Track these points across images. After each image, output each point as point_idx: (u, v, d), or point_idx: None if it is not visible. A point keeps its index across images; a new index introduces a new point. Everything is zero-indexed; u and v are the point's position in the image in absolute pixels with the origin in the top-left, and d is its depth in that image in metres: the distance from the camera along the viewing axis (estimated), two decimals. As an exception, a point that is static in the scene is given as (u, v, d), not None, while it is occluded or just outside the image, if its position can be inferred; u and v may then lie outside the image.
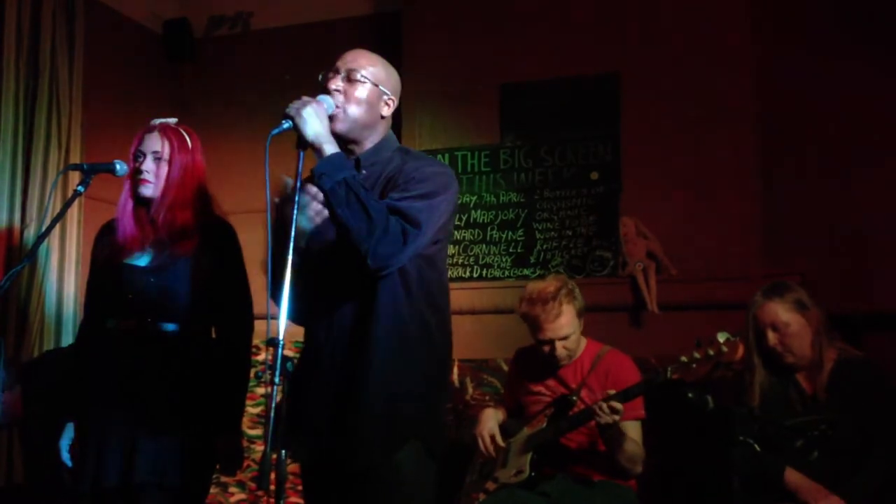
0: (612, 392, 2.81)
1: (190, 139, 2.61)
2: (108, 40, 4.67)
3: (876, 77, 3.94)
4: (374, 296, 2.10)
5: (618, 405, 2.73)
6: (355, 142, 2.19)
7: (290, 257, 1.91)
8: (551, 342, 2.99)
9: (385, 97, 2.21)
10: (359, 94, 2.15)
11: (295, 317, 2.08)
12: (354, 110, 2.15)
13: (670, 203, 4.00)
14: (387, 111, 2.23)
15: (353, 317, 2.13)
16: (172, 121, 2.64)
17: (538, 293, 2.99)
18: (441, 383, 2.27)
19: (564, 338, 2.99)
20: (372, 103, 2.18)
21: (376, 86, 2.18)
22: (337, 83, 2.14)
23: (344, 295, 2.14)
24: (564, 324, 2.96)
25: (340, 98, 2.13)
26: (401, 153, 2.24)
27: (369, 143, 2.21)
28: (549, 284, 3.01)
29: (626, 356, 3.10)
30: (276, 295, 1.91)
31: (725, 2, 4.05)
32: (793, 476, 2.72)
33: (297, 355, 2.27)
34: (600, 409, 2.74)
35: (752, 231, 3.90)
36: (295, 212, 1.96)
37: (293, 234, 1.94)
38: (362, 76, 2.15)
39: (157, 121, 2.62)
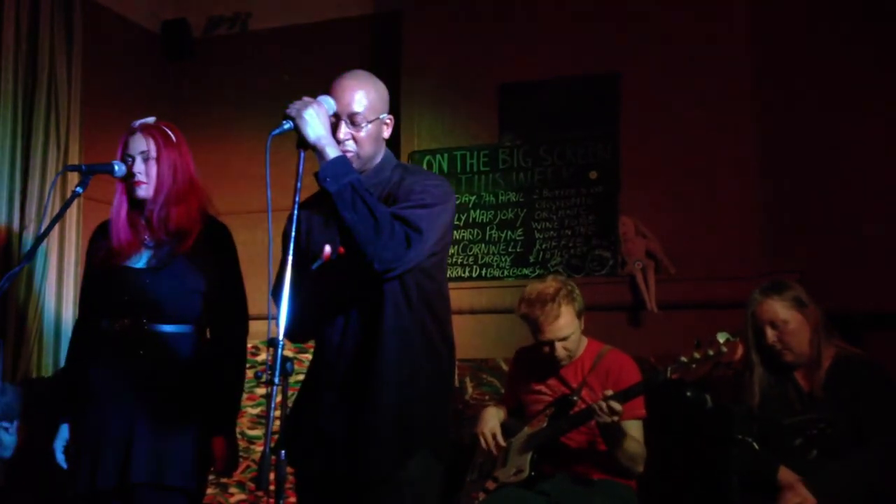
0: (611, 392, 2.81)
1: (173, 134, 2.61)
2: (106, 40, 4.67)
3: (877, 75, 3.94)
4: (380, 307, 2.14)
5: (617, 405, 2.73)
6: (361, 172, 2.20)
7: (289, 263, 1.92)
8: (551, 343, 2.99)
9: (384, 120, 2.23)
10: (365, 135, 2.17)
11: (296, 335, 2.11)
12: (365, 151, 2.18)
13: (669, 202, 4.00)
14: (387, 133, 2.26)
15: (361, 331, 2.17)
16: (151, 119, 2.63)
17: (537, 294, 2.99)
18: (446, 391, 2.31)
19: (564, 338, 2.99)
20: (377, 136, 2.22)
21: (377, 118, 2.20)
22: (345, 132, 2.15)
23: (351, 310, 2.18)
24: (564, 325, 2.97)
25: (352, 145, 2.15)
26: (400, 170, 2.27)
27: (372, 166, 2.24)
28: (548, 286, 3.01)
29: (626, 356, 3.10)
30: (276, 296, 1.92)
31: (725, 1, 4.06)
32: (785, 475, 2.72)
33: (298, 356, 2.28)
34: (600, 408, 2.74)
35: (751, 230, 3.90)
36: (294, 222, 1.96)
37: (292, 246, 1.94)
38: (363, 117, 2.16)
39: (137, 122, 2.61)
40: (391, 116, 2.26)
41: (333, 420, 2.16)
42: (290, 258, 1.92)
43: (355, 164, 2.15)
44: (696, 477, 3.46)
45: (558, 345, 2.99)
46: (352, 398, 2.15)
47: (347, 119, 2.15)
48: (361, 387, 2.14)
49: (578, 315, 3.02)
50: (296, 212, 1.98)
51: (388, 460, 2.13)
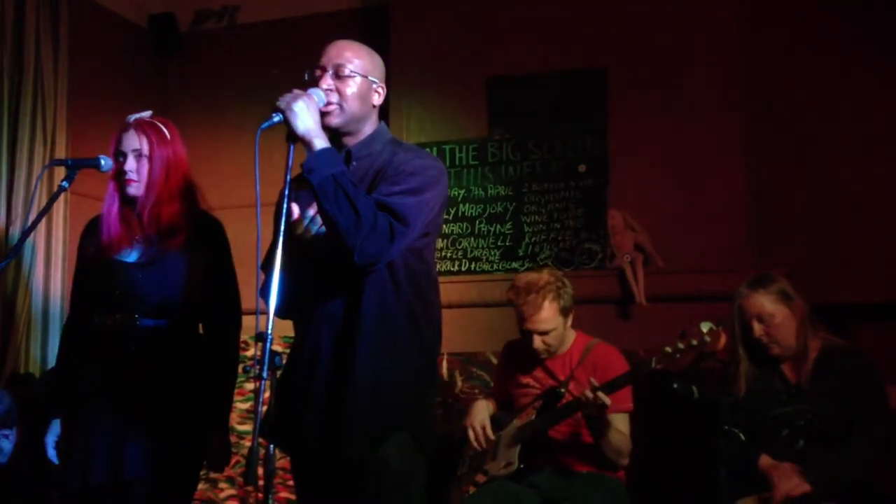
0: (597, 384, 2.82)
1: (168, 131, 2.59)
2: (93, 35, 4.64)
3: (861, 71, 3.97)
4: (361, 288, 2.11)
5: (604, 397, 2.74)
6: (349, 134, 2.19)
7: (279, 251, 1.91)
8: (530, 333, 2.99)
9: (374, 86, 2.21)
10: (351, 90, 2.15)
11: (281, 311, 2.05)
12: (349, 106, 2.15)
13: (658, 195, 4.02)
14: (377, 100, 2.23)
15: (341, 309, 2.13)
16: (147, 114, 2.62)
17: (526, 283, 3.00)
18: (428, 375, 2.27)
19: (544, 332, 2.99)
20: (364, 96, 2.18)
21: (365, 77, 2.17)
22: (328, 82, 2.13)
23: (331, 288, 2.14)
24: (544, 319, 2.97)
25: (335, 97, 2.13)
26: (392, 145, 2.24)
27: (362, 134, 2.22)
28: (540, 277, 3.01)
29: (614, 349, 3.11)
30: (265, 290, 1.91)
31: (712, -3, 4.08)
32: (765, 462, 2.74)
33: (286, 350, 2.27)
34: (587, 399, 2.74)
35: (738, 223, 3.92)
36: (284, 207, 1.96)
37: (283, 229, 1.93)
38: (351, 70, 2.15)
39: (132, 117, 2.60)
40: (384, 86, 2.23)
41: (313, 400, 2.13)
42: (281, 240, 1.91)
43: (337, 120, 2.13)
44: (684, 468, 3.48)
45: (536, 337, 2.99)
46: (332, 378, 2.12)
47: (332, 69, 2.14)
48: (340, 367, 2.11)
49: (563, 312, 3.01)
50: (286, 205, 1.97)
51: (362, 441, 2.08)
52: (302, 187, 2.08)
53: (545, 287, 2.96)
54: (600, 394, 2.74)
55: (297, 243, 2.09)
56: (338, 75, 2.14)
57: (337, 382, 2.11)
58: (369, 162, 2.18)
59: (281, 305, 1.92)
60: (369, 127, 2.22)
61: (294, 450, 2.23)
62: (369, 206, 2.00)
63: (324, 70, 2.14)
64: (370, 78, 2.18)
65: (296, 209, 2.07)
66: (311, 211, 2.07)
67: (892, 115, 3.94)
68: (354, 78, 2.15)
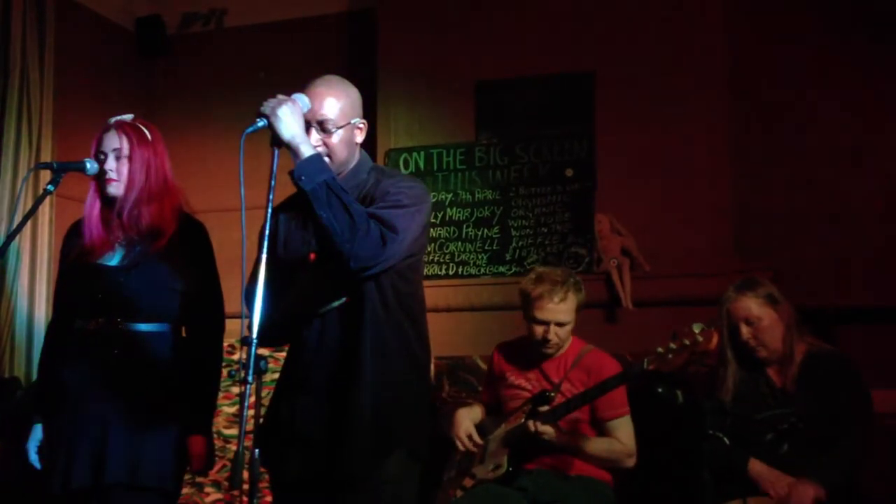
0: (547, 408, 2.89)
1: (149, 132, 2.58)
2: (79, 37, 4.63)
3: (846, 73, 4.00)
4: (356, 312, 2.15)
5: (545, 428, 2.84)
6: (337, 174, 2.20)
7: (262, 262, 1.91)
8: (548, 324, 3.00)
9: (356, 123, 2.23)
10: (337, 141, 2.17)
11: (264, 338, 1.95)
12: (337, 157, 2.18)
13: (644, 200, 4.03)
14: (361, 137, 2.26)
15: (338, 333, 2.17)
16: (128, 117, 2.61)
17: (548, 274, 3.03)
18: (422, 391, 2.32)
19: (561, 324, 3.00)
20: (349, 142, 2.21)
21: (348, 123, 2.19)
22: (315, 138, 2.14)
23: (328, 314, 2.18)
24: (565, 310, 2.99)
25: (324, 151, 2.15)
26: (376, 172, 2.28)
27: (347, 170, 2.24)
28: (561, 271, 3.07)
29: (608, 354, 3.12)
30: (249, 295, 1.91)
31: (698, 0, 4.09)
32: (756, 466, 2.76)
33: (272, 354, 2.27)
34: (534, 430, 2.84)
35: (724, 227, 3.95)
36: (268, 220, 1.95)
37: (265, 247, 1.93)
38: (334, 123, 2.16)
39: (113, 119, 2.59)
40: (364, 121, 2.26)
41: (310, 422, 2.17)
42: (264, 258, 1.91)
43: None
44: (670, 472, 3.49)
45: (553, 328, 2.99)
46: (329, 400, 2.15)
47: (317, 125, 2.15)
48: (339, 388, 2.15)
49: (578, 309, 3.04)
50: (269, 210, 1.97)
51: (365, 461, 2.13)
52: (290, 215, 2.14)
53: (568, 279, 3.01)
54: (539, 426, 2.84)
55: (286, 265, 2.12)
56: (323, 129, 2.15)
57: (341, 405, 2.14)
58: (356, 193, 2.21)
59: (270, 333, 1.92)
60: (353, 160, 2.25)
61: (291, 469, 2.22)
62: (362, 212, 2.04)
63: (309, 125, 2.14)
64: (352, 121, 2.20)
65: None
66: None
67: (878, 119, 3.98)
68: (339, 129, 2.17)
